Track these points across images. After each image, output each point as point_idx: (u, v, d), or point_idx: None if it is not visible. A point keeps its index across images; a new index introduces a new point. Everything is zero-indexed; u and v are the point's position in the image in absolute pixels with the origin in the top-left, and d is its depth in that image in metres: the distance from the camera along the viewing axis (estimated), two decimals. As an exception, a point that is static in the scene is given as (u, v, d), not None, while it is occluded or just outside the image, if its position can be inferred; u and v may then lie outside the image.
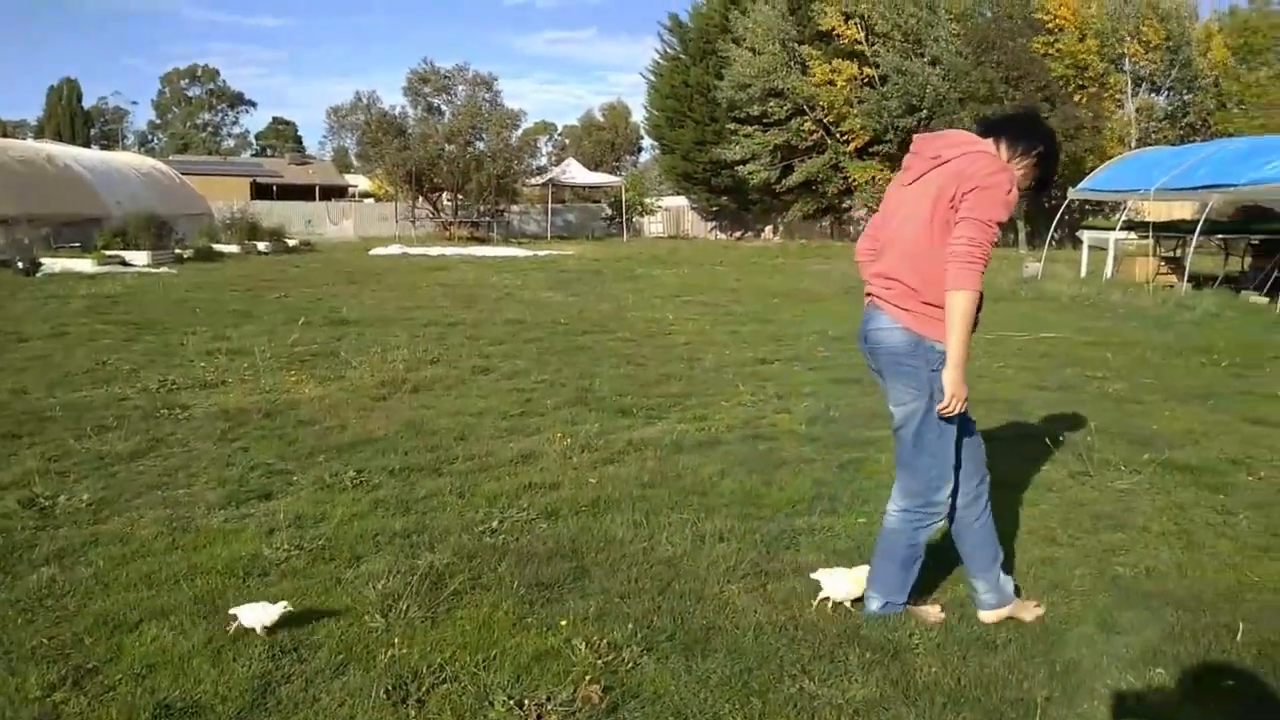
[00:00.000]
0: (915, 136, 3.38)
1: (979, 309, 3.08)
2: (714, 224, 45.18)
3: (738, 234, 43.70)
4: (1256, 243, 16.10)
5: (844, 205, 39.35)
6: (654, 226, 45.59)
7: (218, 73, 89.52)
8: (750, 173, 37.91)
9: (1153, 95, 34.85)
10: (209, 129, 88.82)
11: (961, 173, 3.04)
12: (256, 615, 3.09)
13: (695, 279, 18.42)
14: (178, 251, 21.17)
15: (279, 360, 8.27)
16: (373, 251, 26.01)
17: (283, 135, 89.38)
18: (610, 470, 5.05)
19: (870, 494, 4.64)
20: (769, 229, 42.81)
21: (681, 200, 45.92)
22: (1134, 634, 3.20)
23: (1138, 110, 32.93)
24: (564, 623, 3.17)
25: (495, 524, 4.15)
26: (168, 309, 11.94)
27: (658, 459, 5.28)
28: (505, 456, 5.29)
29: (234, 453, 5.35)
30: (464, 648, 3.02)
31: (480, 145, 35.69)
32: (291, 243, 27.24)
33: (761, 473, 5.03)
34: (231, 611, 3.14)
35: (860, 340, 3.36)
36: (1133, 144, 29.56)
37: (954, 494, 3.28)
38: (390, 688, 2.77)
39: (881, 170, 35.43)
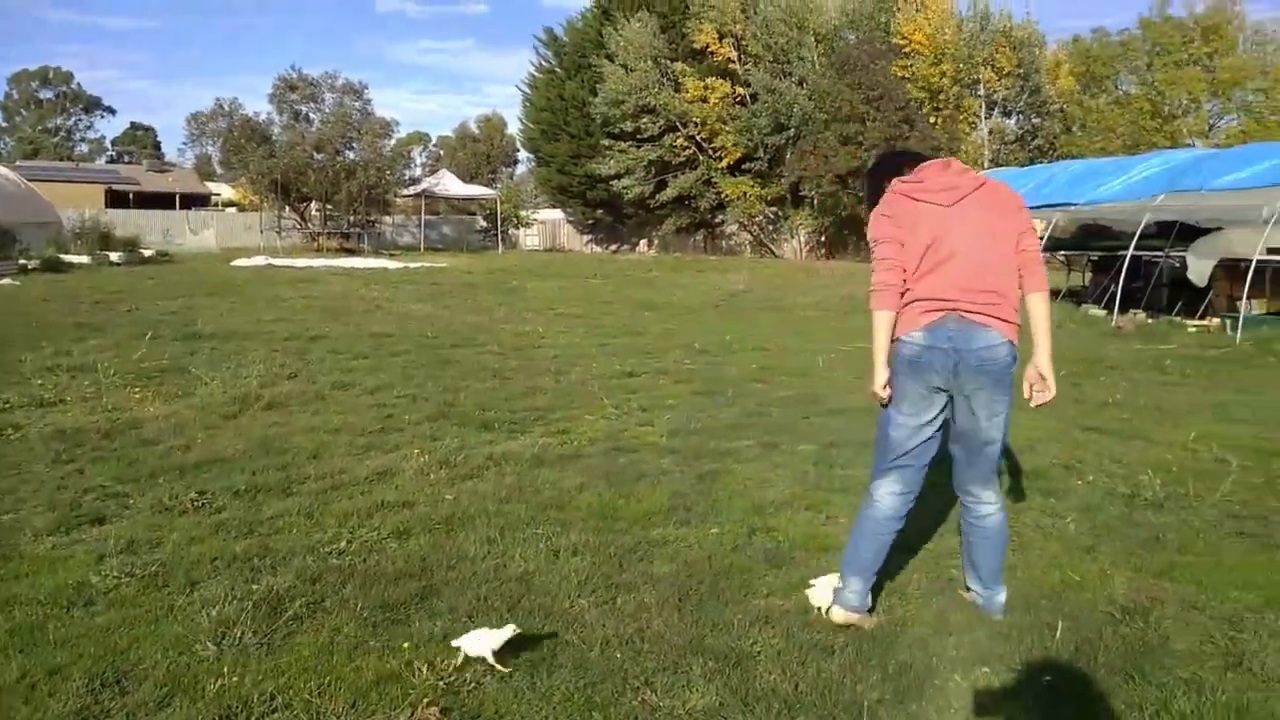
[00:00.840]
0: (930, 164, 3.48)
1: None
2: (590, 237, 45.31)
3: (613, 247, 43.94)
4: (1095, 258, 17.13)
5: (717, 220, 40.09)
6: (530, 239, 45.40)
7: (71, 75, 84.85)
8: (625, 187, 38.21)
9: (1004, 119, 36.72)
10: (61, 134, 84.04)
11: (1004, 193, 3.42)
12: (482, 643, 2.97)
13: (569, 292, 18.43)
14: (22, 262, 19.93)
15: (124, 377, 7.88)
16: (235, 263, 25.08)
17: (141, 141, 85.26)
18: (468, 486, 5.00)
19: (724, 505, 4.73)
20: (644, 243, 43.20)
21: (558, 213, 45.90)
22: (964, 635, 3.34)
23: (990, 133, 34.64)
24: (407, 645, 3.11)
25: (343, 544, 4.05)
26: (6, 323, 11.22)
27: (517, 474, 5.25)
28: (360, 474, 5.17)
29: (68, 475, 5.07)
30: (300, 674, 2.93)
31: (350, 154, 34.92)
32: (147, 253, 26.05)
33: (620, 485, 5.05)
34: (454, 644, 3.03)
35: (954, 358, 3.28)
36: (985, 165, 31.06)
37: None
38: (217, 719, 2.66)
39: (752, 186, 36.26)
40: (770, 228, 39.02)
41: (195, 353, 9.29)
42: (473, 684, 2.90)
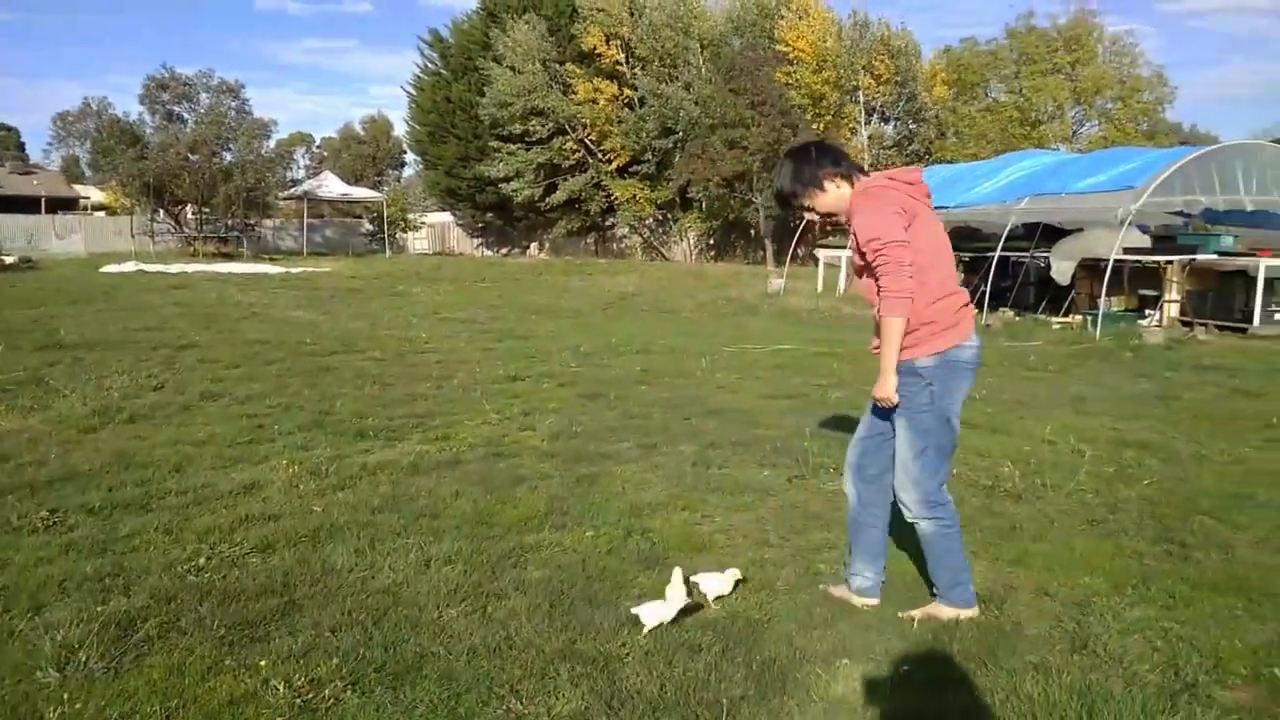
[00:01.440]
0: (910, 170, 3.74)
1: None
2: (480, 240, 44.84)
3: (504, 250, 43.59)
4: (967, 259, 17.79)
5: (607, 223, 40.17)
6: (419, 243, 44.64)
7: (-81, 70, 79.65)
8: (514, 190, 37.92)
9: (883, 125, 37.84)
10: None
11: None
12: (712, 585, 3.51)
13: (456, 296, 18.19)
14: None
15: (-28, 390, 7.44)
16: (105, 269, 23.95)
17: (4, 142, 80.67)
18: (339, 497, 4.88)
19: (600, 508, 4.74)
20: (535, 246, 42.99)
21: (447, 216, 45.26)
22: (827, 628, 3.42)
23: (870, 138, 35.62)
24: (264, 663, 3.02)
25: (203, 561, 3.90)
26: None
27: (392, 483, 5.16)
28: (225, 488, 4.99)
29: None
30: (149, 698, 2.81)
31: (228, 156, 33.72)
32: (9, 259, 24.67)
33: (497, 491, 5.01)
34: (634, 611, 3.34)
35: (976, 363, 3.64)
36: (865, 169, 31.90)
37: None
38: (55, 750, 2.53)
39: (642, 189, 36.46)
40: (660, 230, 39.30)
41: (55, 364, 8.84)
42: (331, 700, 2.83)
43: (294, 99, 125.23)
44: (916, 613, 3.56)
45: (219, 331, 11.75)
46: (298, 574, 3.78)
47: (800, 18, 34.48)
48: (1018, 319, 14.40)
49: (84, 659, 3.00)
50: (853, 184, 3.55)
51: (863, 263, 3.46)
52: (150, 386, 7.81)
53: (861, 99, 34.79)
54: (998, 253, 14.69)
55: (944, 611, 3.54)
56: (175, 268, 24.96)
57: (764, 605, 3.60)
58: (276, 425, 6.48)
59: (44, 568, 3.83)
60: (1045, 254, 14.84)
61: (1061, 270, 13.99)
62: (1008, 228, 14.84)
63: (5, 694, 2.82)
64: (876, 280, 3.36)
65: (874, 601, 3.66)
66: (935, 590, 3.59)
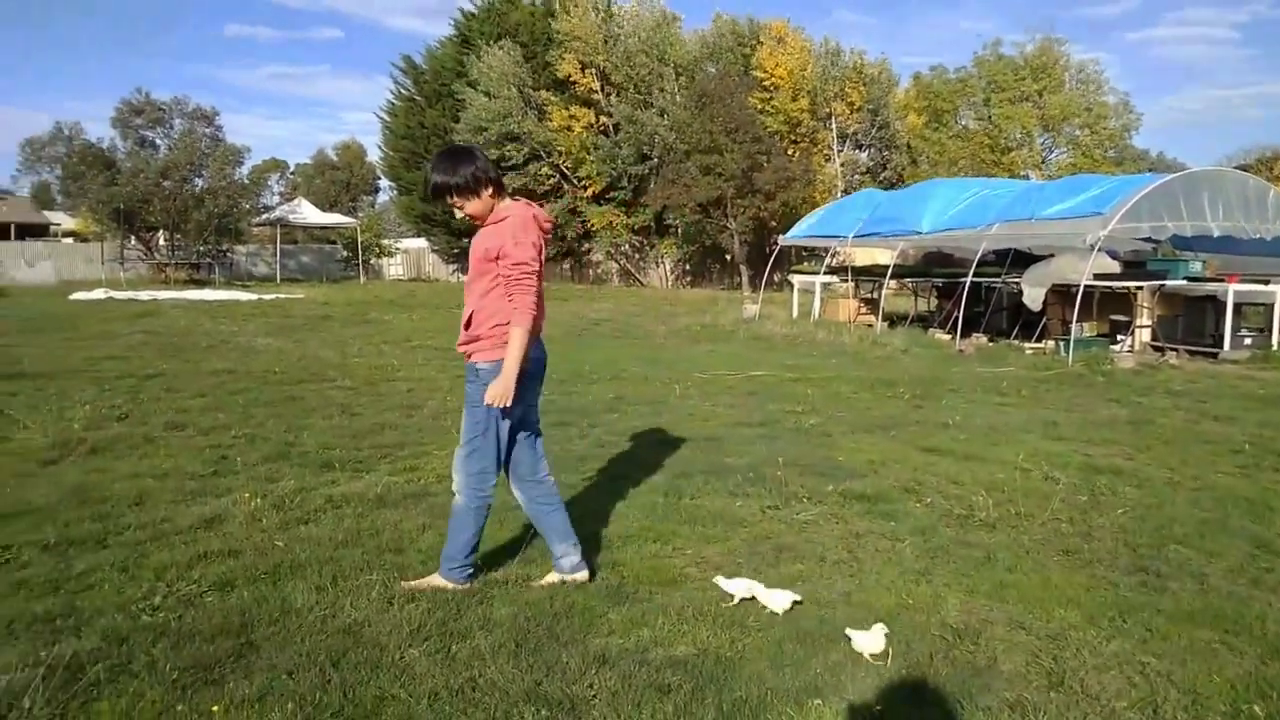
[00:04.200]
0: (549, 217, 4.19)
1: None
2: (456, 266, 44.67)
3: (479, 276, 43.44)
4: (940, 285, 17.91)
5: (584, 249, 40.17)
6: (394, 269, 44.44)
7: (-114, 95, 78.81)
8: (490, 215, 37.88)
9: (857, 151, 38.22)
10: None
11: None
12: (864, 643, 3.47)
13: (430, 323, 18.07)
14: None
15: (-71, 423, 7.26)
16: (73, 296, 23.64)
17: (-33, 166, 79.84)
18: (302, 531, 4.77)
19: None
20: (510, 271, 42.85)
21: (422, 242, 45.13)
22: (798, 667, 3.35)
23: (843, 164, 35.95)
24: (216, 708, 2.91)
25: (158, 600, 3.78)
26: None
27: (357, 516, 5.05)
28: (184, 523, 4.86)
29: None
30: (94, 748, 2.69)
31: (200, 182, 33.47)
32: (-27, 287, 24.31)
33: (465, 524, 4.90)
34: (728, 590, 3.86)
35: (542, 370, 4.26)
36: (839, 195, 32.20)
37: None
38: (-10, 806, 2.41)
39: (618, 215, 36.53)
40: (636, 256, 39.36)
41: (16, 394, 8.66)
42: (285, 747, 2.72)
43: (261, 124, 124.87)
44: (420, 582, 3.99)
45: (186, 360, 11.58)
46: (256, 613, 3.67)
47: (779, 43, 34.82)
48: (990, 344, 14.46)
49: (27, 705, 2.88)
50: (499, 198, 3.94)
51: (481, 269, 3.86)
52: (113, 417, 7.65)
53: (834, 126, 35.11)
54: (969, 278, 14.77)
55: (439, 583, 3.98)
56: (146, 294, 24.67)
57: (735, 642, 3.53)
58: (240, 457, 6.35)
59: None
60: (1016, 279, 14.93)
61: (1033, 296, 14.07)
62: (979, 253, 14.94)
63: (-58, 746, 2.70)
64: (508, 293, 3.81)
65: (584, 574, 4.11)
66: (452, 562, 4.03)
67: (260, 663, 3.26)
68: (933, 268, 17.66)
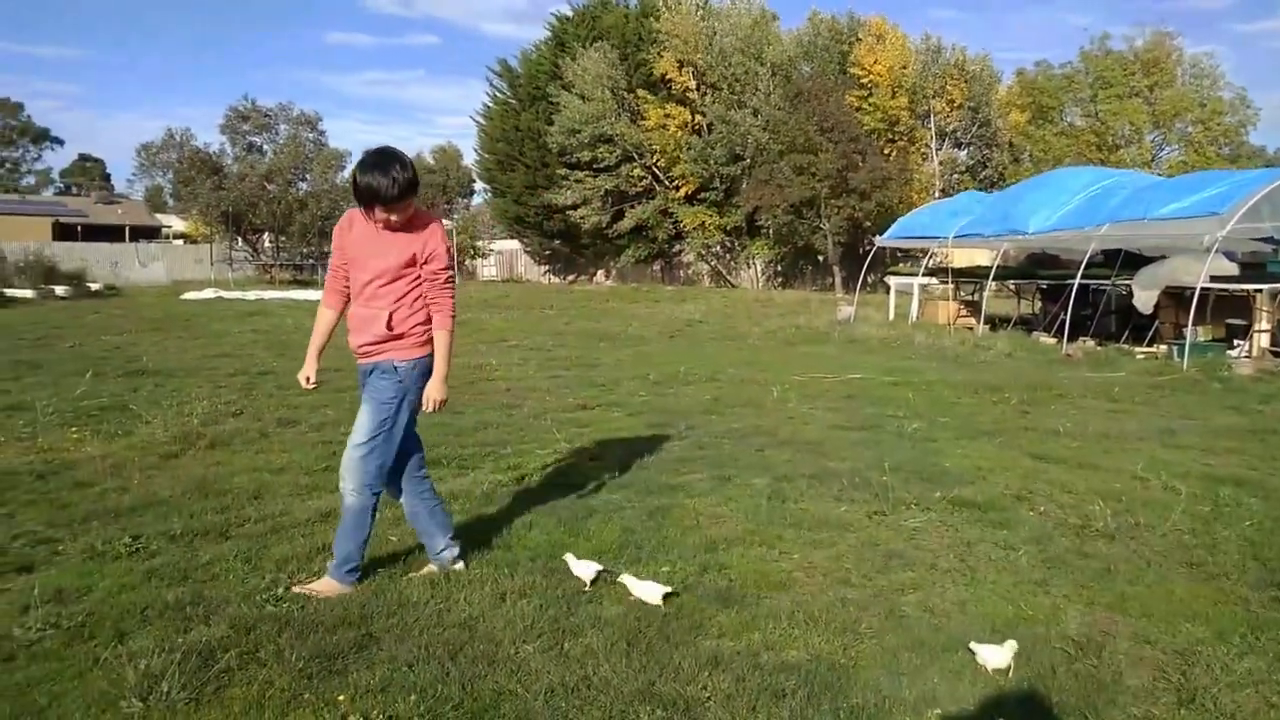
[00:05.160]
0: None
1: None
2: (548, 267, 45.29)
3: (571, 277, 43.94)
4: (1045, 287, 17.39)
5: (674, 250, 40.24)
6: (487, 270, 45.28)
7: (21, 107, 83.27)
8: (582, 217, 38.26)
9: (956, 150, 37.39)
10: (7, 165, 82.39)
11: None
12: (990, 657, 3.37)
13: (523, 323, 18.32)
14: (-41, 296, 19.50)
15: (62, 416, 7.66)
16: (185, 296, 24.68)
17: (90, 173, 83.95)
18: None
19: (675, 542, 4.66)
20: (601, 272, 43.25)
21: (514, 244, 45.85)
22: (916, 675, 3.28)
23: (942, 163, 35.21)
24: (343, 697, 2.99)
25: (280, 591, 3.91)
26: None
27: (465, 512, 5.14)
28: (301, 516, 5.03)
29: None
30: (229, 732, 2.80)
31: (303, 186, 34.61)
32: (94, 286, 25.57)
33: (570, 523, 4.96)
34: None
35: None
36: (937, 195, 31.56)
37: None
38: (137, 784, 2.52)
39: (709, 216, 36.47)
40: (727, 257, 39.24)
41: (137, 390, 9.07)
42: (410, 739, 2.79)
43: (360, 129, 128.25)
44: (312, 586, 3.93)
45: (293, 358, 11.93)
46: (373, 606, 3.77)
47: (877, 40, 34.33)
48: (1099, 349, 13.97)
49: (166, 689, 3.01)
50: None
51: (401, 272, 3.90)
52: (229, 413, 7.95)
53: (934, 124, 34.44)
54: (1078, 280, 14.30)
55: (329, 588, 3.91)
56: (252, 294, 25.61)
57: (848, 649, 3.48)
58: (351, 453, 6.51)
59: (127, 595, 3.87)
60: (1127, 281, 14.41)
61: (1144, 299, 13.56)
62: (1087, 254, 14.46)
63: (90, 723, 2.83)
64: (435, 298, 3.96)
65: (462, 565, 4.22)
66: (340, 563, 4.00)
67: (381, 654, 3.35)
68: (1037, 269, 17.15)
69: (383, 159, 3.79)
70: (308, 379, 4.15)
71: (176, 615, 3.66)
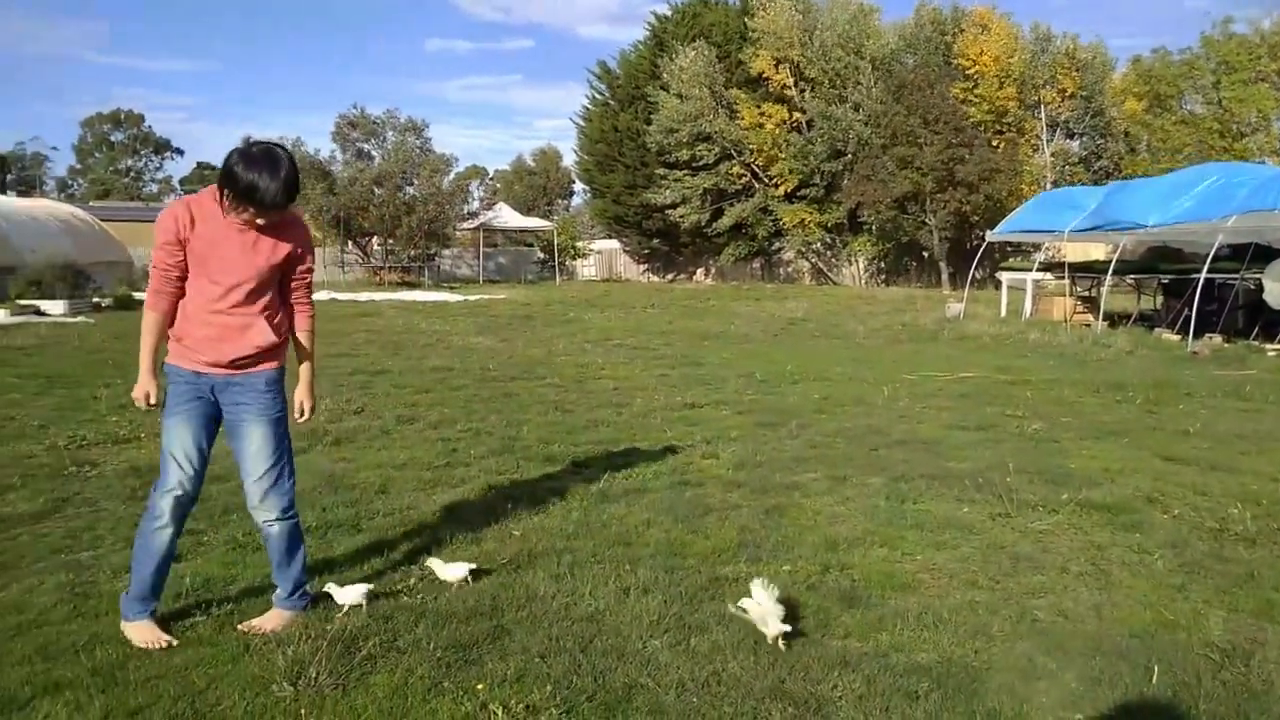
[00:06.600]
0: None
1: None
2: (647, 266, 45.48)
3: (670, 276, 44.04)
4: (1166, 282, 16.70)
5: (774, 247, 39.96)
6: (587, 269, 45.70)
7: (143, 118, 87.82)
8: (681, 216, 38.31)
9: (1068, 140, 36.17)
10: (131, 174, 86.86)
11: None
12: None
13: (626, 322, 18.46)
14: (96, 300, 20.60)
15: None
16: (300, 297, 25.54)
17: (208, 180, 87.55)
18: (535, 521, 4.97)
19: (794, 541, 4.64)
20: (701, 271, 43.23)
21: (614, 243, 46.17)
22: (1052, 679, 3.21)
23: (1053, 155, 34.11)
24: (481, 686, 3.08)
25: (413, 582, 4.04)
26: (82, 361, 11.55)
27: (583, 509, 5.22)
28: (427, 509, 5.18)
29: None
30: (376, 716, 2.91)
31: (410, 190, 35.51)
32: (215, 289, 26.68)
33: (687, 521, 4.99)
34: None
35: None
36: (1048, 187, 30.57)
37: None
38: (295, 763, 2.64)
39: (810, 213, 36.10)
40: (828, 254, 38.78)
41: (264, 388, 9.42)
42: (547, 728, 2.85)
43: (460, 134, 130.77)
44: (260, 623, 3.62)
45: (407, 358, 12.30)
46: (504, 598, 3.86)
47: (983, 30, 33.47)
48: (1227, 345, 13.35)
49: (314, 675, 3.14)
50: None
51: (270, 275, 3.56)
52: (351, 410, 8.22)
53: (1044, 114, 33.39)
54: (1203, 274, 13.69)
55: (283, 619, 3.64)
56: (364, 296, 26.42)
57: (981, 652, 3.42)
58: (470, 450, 6.69)
59: (270, 585, 4.04)
60: (1257, 275, 13.73)
61: (1276, 293, 12.90)
62: (1214, 248, 13.83)
63: (248, 705, 2.98)
64: (307, 300, 3.75)
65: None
66: (290, 594, 3.74)
67: (513, 645, 3.43)
68: (1159, 263, 16.48)
69: (272, 157, 3.34)
70: (148, 396, 3.57)
71: (318, 604, 3.81)
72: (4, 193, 47.61)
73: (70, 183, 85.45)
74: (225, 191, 3.37)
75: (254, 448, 3.64)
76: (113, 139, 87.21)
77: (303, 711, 2.90)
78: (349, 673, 3.20)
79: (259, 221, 3.44)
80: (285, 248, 3.56)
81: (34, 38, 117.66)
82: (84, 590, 3.97)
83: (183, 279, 3.48)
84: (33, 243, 22.62)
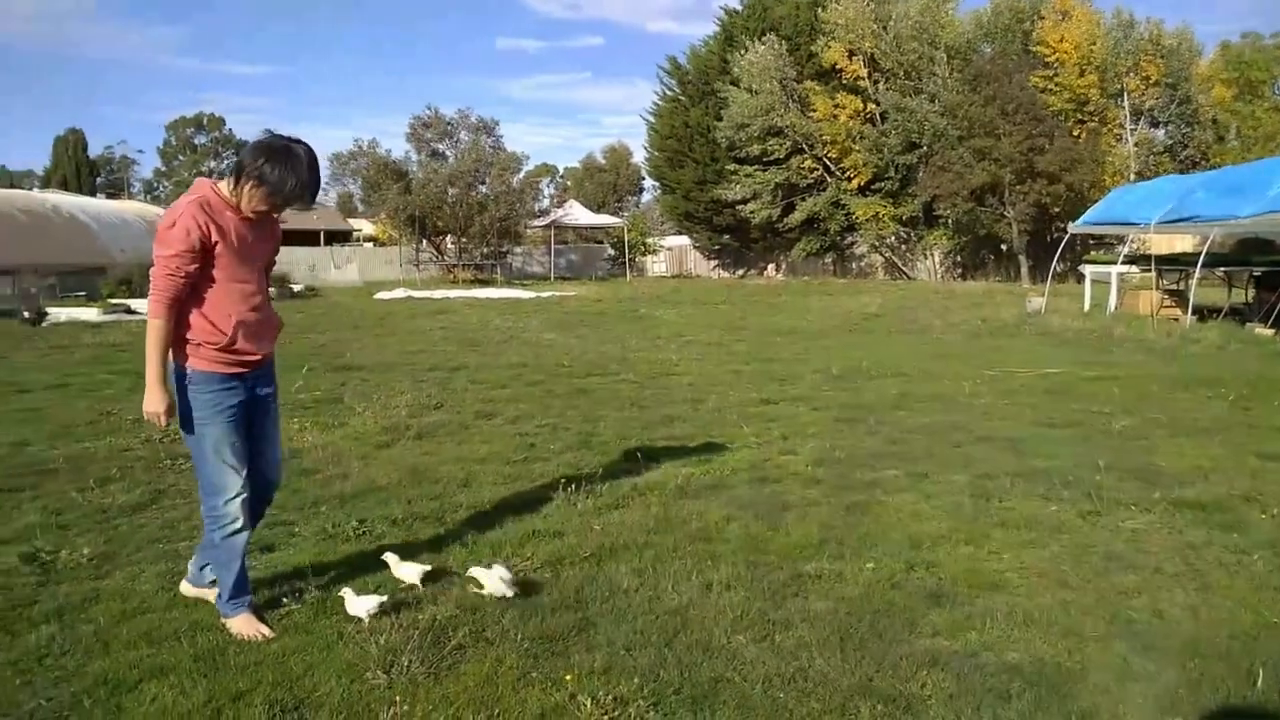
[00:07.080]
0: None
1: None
2: (717, 262, 45.33)
3: (741, 272, 43.83)
4: (1259, 275, 16.09)
5: (847, 242, 39.50)
6: (657, 266, 45.74)
7: (224, 120, 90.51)
8: (752, 211, 38.08)
9: (1152, 129, 35.08)
10: (213, 176, 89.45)
11: None
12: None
13: (698, 318, 18.44)
14: (183, 298, 21.25)
15: (283, 407, 8.19)
16: (377, 295, 26.09)
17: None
18: (615, 516, 5.01)
19: (877, 538, 4.60)
20: (772, 266, 42.95)
21: (684, 239, 46.12)
22: (1150, 681, 3.13)
23: (1137, 144, 33.11)
24: (569, 677, 3.12)
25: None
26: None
27: (662, 504, 5.24)
28: (510, 504, 5.25)
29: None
30: (468, 705, 2.97)
31: (483, 189, 35.94)
32: (296, 288, 27.33)
33: (767, 517, 4.97)
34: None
35: None
36: (1132, 177, 29.69)
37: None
38: (392, 749, 2.71)
39: (884, 207, 35.60)
40: (903, 248, 38.20)
41: (346, 384, 9.66)
42: (636, 718, 2.88)
43: (530, 132, 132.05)
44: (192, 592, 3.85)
45: (484, 354, 12.47)
46: (588, 591, 3.90)
47: (1063, 17, 32.62)
48: (1325, 340, 12.83)
49: (406, 663, 3.21)
50: None
51: (265, 266, 3.64)
52: (431, 406, 8.37)
53: (1127, 103, 32.42)
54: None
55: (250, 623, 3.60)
56: (439, 294, 26.84)
57: (1073, 652, 3.35)
58: (548, 445, 6.77)
59: (360, 575, 4.15)
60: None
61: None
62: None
63: (344, 692, 3.06)
64: (265, 286, 3.64)
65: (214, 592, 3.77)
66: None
67: (599, 637, 3.47)
68: (1251, 255, 15.88)
69: (314, 158, 3.39)
70: (160, 417, 3.44)
71: (407, 595, 3.89)
72: (94, 195, 49.49)
73: (156, 185, 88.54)
74: (245, 184, 3.35)
75: (276, 429, 3.86)
76: (196, 142, 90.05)
77: (397, 698, 2.97)
78: (440, 661, 3.26)
79: (271, 214, 3.49)
80: (278, 233, 3.74)
81: (117, 41, 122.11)
82: (182, 579, 4.11)
83: (190, 286, 3.37)
84: (122, 243, 23.49)
